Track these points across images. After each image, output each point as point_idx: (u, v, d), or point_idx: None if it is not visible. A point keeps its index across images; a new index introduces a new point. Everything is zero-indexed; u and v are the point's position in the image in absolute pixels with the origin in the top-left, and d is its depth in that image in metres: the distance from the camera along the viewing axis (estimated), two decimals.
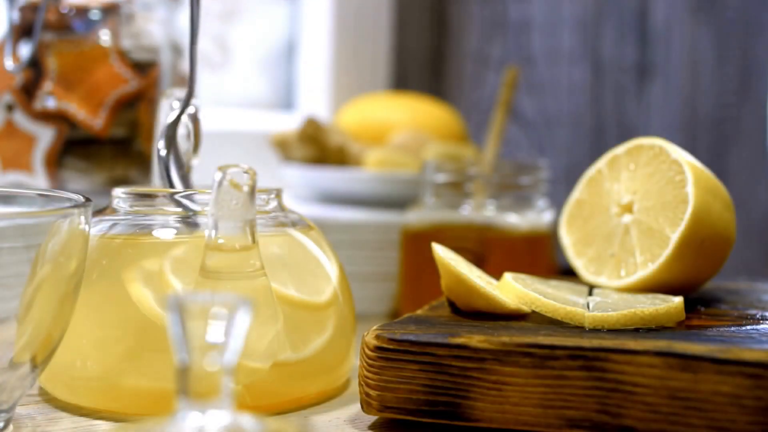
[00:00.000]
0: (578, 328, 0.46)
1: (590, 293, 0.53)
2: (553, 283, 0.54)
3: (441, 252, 0.51)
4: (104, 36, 0.70)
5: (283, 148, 0.89)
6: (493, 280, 0.52)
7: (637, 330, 0.45)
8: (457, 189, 0.73)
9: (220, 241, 0.46)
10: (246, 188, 0.46)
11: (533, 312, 0.49)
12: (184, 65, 0.76)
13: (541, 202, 0.74)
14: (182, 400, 0.32)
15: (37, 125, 0.69)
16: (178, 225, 0.50)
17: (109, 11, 0.71)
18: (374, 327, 0.46)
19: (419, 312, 0.50)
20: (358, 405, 0.47)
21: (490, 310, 0.49)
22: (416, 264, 0.72)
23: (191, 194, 0.51)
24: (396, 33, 1.23)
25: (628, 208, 0.55)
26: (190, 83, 0.53)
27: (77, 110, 0.69)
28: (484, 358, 0.43)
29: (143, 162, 0.71)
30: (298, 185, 0.89)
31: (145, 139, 0.70)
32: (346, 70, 1.19)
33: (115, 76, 0.70)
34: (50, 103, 0.69)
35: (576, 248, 0.57)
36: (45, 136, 0.69)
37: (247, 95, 1.17)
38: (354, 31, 1.17)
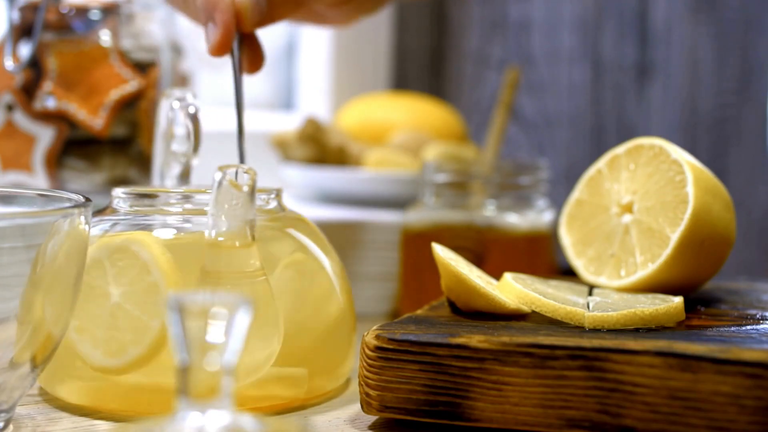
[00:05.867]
0: (578, 328, 0.46)
1: (590, 293, 0.53)
2: (553, 283, 0.54)
3: (441, 252, 0.51)
4: (104, 36, 0.70)
5: (283, 148, 0.89)
6: (493, 280, 0.52)
7: (637, 330, 0.45)
8: (457, 189, 0.73)
9: (220, 240, 0.46)
10: (246, 188, 0.46)
11: (533, 312, 0.49)
12: (184, 66, 0.77)
13: (541, 202, 0.74)
14: (182, 400, 0.32)
15: (37, 125, 0.69)
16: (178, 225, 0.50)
17: (109, 11, 0.71)
18: (374, 327, 0.46)
19: (419, 312, 0.50)
20: (358, 405, 0.47)
21: (490, 310, 0.49)
22: (416, 264, 0.72)
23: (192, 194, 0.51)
24: (396, 33, 1.23)
25: (628, 208, 0.55)
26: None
27: (77, 110, 0.69)
28: (484, 358, 0.43)
29: (143, 162, 0.71)
30: (298, 185, 0.89)
31: (145, 139, 0.70)
32: (346, 70, 1.19)
33: (115, 76, 0.70)
34: (50, 103, 0.69)
35: (576, 248, 0.57)
36: (45, 136, 0.69)
37: (247, 95, 1.17)
38: (354, 31, 1.17)
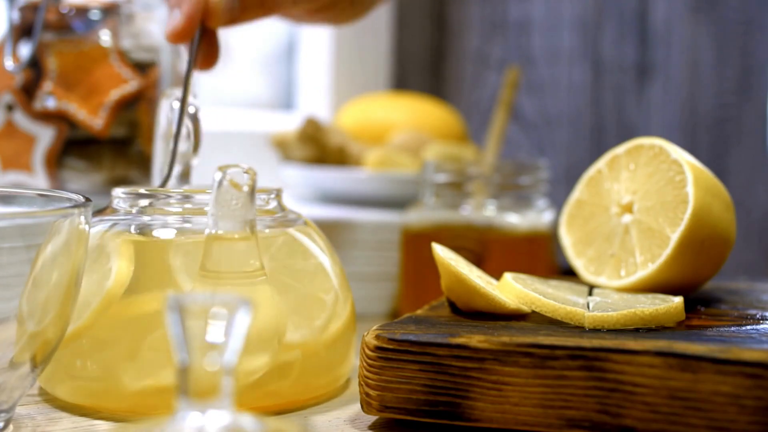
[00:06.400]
0: (578, 328, 0.46)
1: (590, 293, 0.53)
2: (553, 283, 0.54)
3: (441, 252, 0.51)
4: (104, 36, 0.70)
5: (283, 148, 0.89)
6: (493, 280, 0.52)
7: (637, 330, 0.45)
8: (457, 189, 0.73)
9: (220, 233, 0.46)
10: (246, 188, 0.46)
11: (533, 312, 0.49)
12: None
13: (541, 202, 0.74)
14: (182, 400, 0.32)
15: (37, 125, 0.69)
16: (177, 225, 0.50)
17: (109, 11, 0.71)
18: (374, 327, 0.46)
19: (419, 312, 0.50)
20: (358, 405, 0.47)
21: (490, 310, 0.49)
22: (416, 264, 0.72)
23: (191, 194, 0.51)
24: (396, 33, 1.23)
25: (628, 208, 0.55)
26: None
27: (77, 110, 0.69)
28: (484, 358, 0.43)
29: (143, 162, 0.71)
30: (298, 185, 0.89)
31: (145, 139, 0.70)
32: (346, 70, 1.18)
33: (115, 76, 0.70)
34: (50, 103, 0.69)
35: (576, 248, 0.57)
36: (45, 136, 0.69)
37: (247, 95, 1.17)
38: (354, 31, 1.17)
